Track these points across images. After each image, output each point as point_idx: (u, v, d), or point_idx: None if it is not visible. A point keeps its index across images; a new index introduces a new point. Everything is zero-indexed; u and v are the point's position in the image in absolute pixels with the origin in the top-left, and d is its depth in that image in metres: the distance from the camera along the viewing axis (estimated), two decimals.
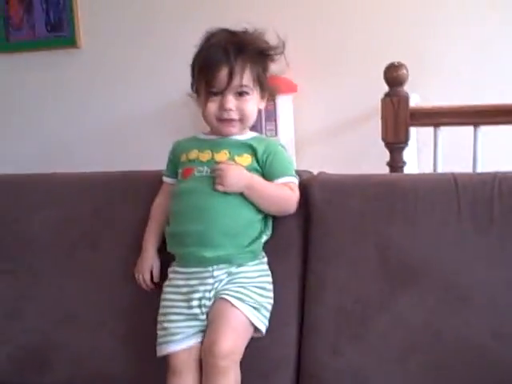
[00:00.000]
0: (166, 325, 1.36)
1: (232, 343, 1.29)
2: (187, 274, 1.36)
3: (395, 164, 2.05)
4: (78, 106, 3.06)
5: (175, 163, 1.46)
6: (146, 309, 1.45)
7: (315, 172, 1.54)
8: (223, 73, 1.35)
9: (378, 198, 1.41)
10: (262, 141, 1.43)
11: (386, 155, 2.16)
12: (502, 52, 2.62)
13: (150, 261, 1.44)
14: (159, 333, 1.37)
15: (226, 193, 1.35)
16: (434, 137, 2.07)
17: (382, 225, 1.40)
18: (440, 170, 2.09)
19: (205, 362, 1.31)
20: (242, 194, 1.36)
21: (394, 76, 2.02)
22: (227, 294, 1.33)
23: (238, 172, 1.35)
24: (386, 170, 2.13)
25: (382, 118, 2.04)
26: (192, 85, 1.43)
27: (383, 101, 2.04)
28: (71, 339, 1.51)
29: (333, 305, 1.39)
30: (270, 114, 2.74)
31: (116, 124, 3.03)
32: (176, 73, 2.94)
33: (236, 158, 1.38)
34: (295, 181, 1.42)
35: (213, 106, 1.37)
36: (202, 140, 1.44)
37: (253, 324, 1.33)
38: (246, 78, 1.36)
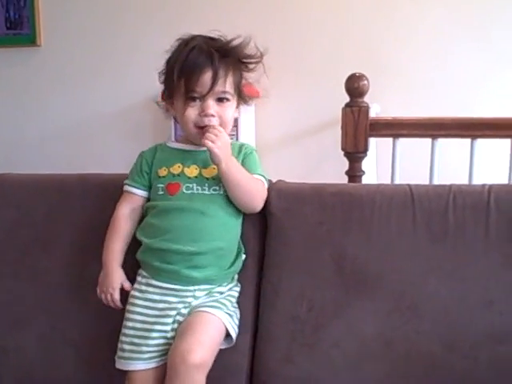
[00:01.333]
0: (136, 340, 1.32)
1: (207, 353, 1.25)
2: (165, 289, 1.32)
3: (354, 173, 2.07)
4: (36, 106, 3.01)
5: (148, 174, 1.39)
6: (97, 314, 1.43)
7: (274, 179, 1.54)
8: (207, 76, 1.31)
9: (335, 207, 1.42)
10: (239, 145, 1.42)
11: (345, 163, 2.18)
12: (463, 64, 2.67)
13: (118, 280, 1.36)
14: (125, 346, 1.32)
15: (217, 212, 1.33)
16: (393, 148, 2.10)
17: (338, 234, 1.41)
18: (397, 180, 2.12)
19: (174, 369, 1.23)
20: (229, 215, 1.34)
21: (354, 87, 2.04)
22: (203, 307, 1.31)
23: (228, 144, 1.34)
24: (345, 178, 2.15)
25: (342, 127, 2.06)
26: (165, 90, 1.38)
27: (344, 111, 2.06)
28: (20, 344, 1.47)
29: (287, 313, 1.39)
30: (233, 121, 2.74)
31: (75, 125, 2.98)
32: (137, 75, 2.94)
33: None
34: (265, 181, 1.41)
35: (192, 112, 1.32)
36: (182, 151, 1.39)
37: (227, 332, 1.32)
38: (229, 84, 1.34)
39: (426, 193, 1.43)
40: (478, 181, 2.04)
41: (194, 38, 1.36)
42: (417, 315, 1.34)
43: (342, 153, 2.14)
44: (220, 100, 1.33)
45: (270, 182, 1.52)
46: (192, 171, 1.35)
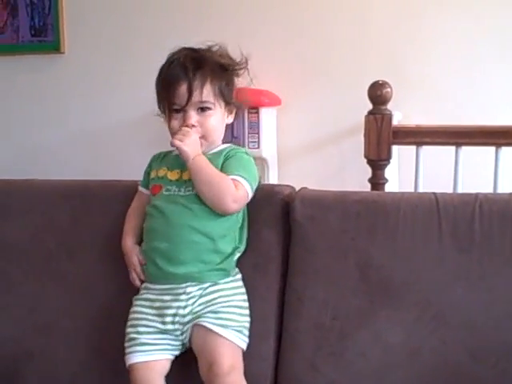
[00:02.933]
0: (133, 335, 1.36)
1: (230, 359, 1.29)
2: (160, 290, 1.36)
3: (377, 181, 2.06)
4: (59, 112, 3.03)
5: (149, 176, 1.47)
6: (121, 319, 1.42)
7: (297, 187, 1.53)
8: (182, 89, 1.35)
9: (360, 215, 1.41)
10: (225, 150, 1.41)
11: (367, 172, 2.17)
12: (486, 72, 2.64)
13: (135, 256, 1.42)
14: (126, 344, 1.36)
15: (193, 208, 1.35)
16: (416, 155, 2.09)
17: (363, 242, 1.40)
18: (421, 189, 2.10)
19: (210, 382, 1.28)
20: (205, 212, 1.35)
21: (377, 94, 2.04)
22: (208, 322, 1.31)
23: (197, 142, 1.36)
24: (367, 186, 2.14)
25: (364, 135, 2.05)
26: (158, 103, 1.43)
27: (366, 118, 2.06)
28: (45, 348, 1.48)
29: (311, 321, 1.38)
30: (253, 127, 2.74)
31: (97, 131, 3.00)
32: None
33: None
34: (245, 183, 1.36)
35: (176, 124, 1.37)
36: (172, 157, 1.44)
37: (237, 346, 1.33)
38: (206, 93, 1.36)
39: (452, 201, 1.42)
40: (502, 189, 2.03)
41: (176, 52, 1.42)
42: (443, 325, 1.32)
43: (364, 160, 2.13)
44: (202, 109, 1.37)
45: (292, 188, 1.52)
46: (174, 175, 1.40)
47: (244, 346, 1.34)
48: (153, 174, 1.45)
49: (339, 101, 2.73)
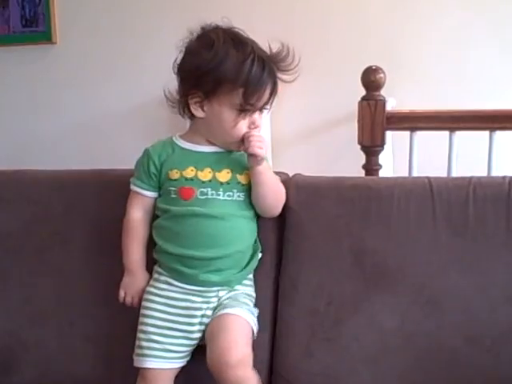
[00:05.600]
0: (156, 338, 1.30)
1: (245, 348, 1.27)
2: (188, 290, 1.31)
3: (371, 167, 2.06)
4: (52, 102, 3.01)
5: (158, 177, 1.35)
6: (115, 309, 1.42)
7: (291, 174, 1.53)
8: (267, 92, 1.28)
9: (354, 200, 1.41)
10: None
11: (362, 158, 2.16)
12: (480, 57, 2.64)
13: (143, 283, 1.36)
14: (143, 343, 1.31)
15: (233, 217, 1.31)
16: (410, 141, 2.08)
17: (357, 227, 1.40)
18: (415, 174, 2.10)
19: (217, 371, 1.24)
20: (245, 219, 1.33)
21: (371, 80, 2.03)
22: (227, 307, 1.30)
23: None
24: (361, 172, 2.13)
25: (358, 121, 2.05)
26: (192, 86, 1.28)
27: (360, 104, 2.05)
28: (40, 339, 1.48)
29: (306, 307, 1.38)
30: None
31: (89, 122, 2.99)
32: (153, 71, 2.92)
33: (238, 176, 1.33)
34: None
35: (244, 125, 1.28)
36: (194, 153, 1.34)
37: (251, 329, 1.32)
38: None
39: (446, 185, 1.41)
40: (496, 173, 2.02)
41: (244, 43, 1.29)
42: (437, 309, 1.32)
43: (359, 147, 2.13)
44: (260, 110, 1.31)
45: (286, 175, 1.51)
46: (206, 175, 1.32)
47: (255, 330, 1.33)
48: (173, 175, 1.32)
49: (333, 87, 2.72)
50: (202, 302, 1.31)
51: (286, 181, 1.48)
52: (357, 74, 2.14)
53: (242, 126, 1.28)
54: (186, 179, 1.31)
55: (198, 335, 1.32)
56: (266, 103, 1.29)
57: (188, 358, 1.34)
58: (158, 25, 2.84)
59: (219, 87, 1.25)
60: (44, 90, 3.01)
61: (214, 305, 1.32)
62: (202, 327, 1.31)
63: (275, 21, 2.67)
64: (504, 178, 1.41)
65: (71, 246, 1.51)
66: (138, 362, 1.32)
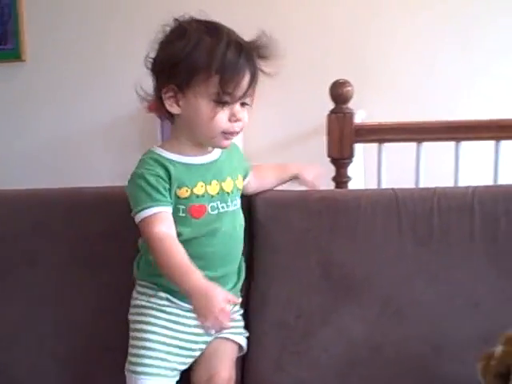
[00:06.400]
0: (165, 356, 1.25)
1: (230, 371, 1.31)
2: (190, 308, 1.22)
3: (340, 179, 2.07)
4: (23, 121, 2.99)
5: (169, 193, 1.22)
6: (86, 329, 1.42)
7: None
8: (245, 80, 1.17)
9: (321, 213, 1.42)
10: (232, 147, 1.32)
11: (332, 170, 2.18)
12: (447, 69, 2.69)
13: (223, 293, 1.13)
14: (152, 362, 1.24)
15: (240, 228, 1.32)
16: (379, 153, 2.11)
17: (325, 240, 1.41)
18: (384, 185, 2.12)
19: None
20: (243, 229, 1.34)
21: (339, 93, 2.05)
22: (227, 333, 1.30)
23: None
24: (332, 185, 2.15)
25: (327, 134, 2.07)
26: (166, 79, 1.18)
27: (329, 117, 2.07)
28: (8, 361, 1.45)
29: (276, 320, 1.39)
30: None
31: (62, 139, 2.97)
32: (123, 87, 2.91)
33: (237, 182, 1.31)
34: None
35: (223, 117, 1.18)
36: (198, 166, 1.25)
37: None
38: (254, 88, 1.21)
39: (411, 196, 1.44)
40: (463, 183, 2.05)
41: (220, 29, 1.21)
42: (404, 319, 1.34)
43: (329, 159, 2.14)
44: (242, 104, 1.21)
45: None
46: (214, 188, 1.25)
47: (245, 347, 1.37)
48: (182, 194, 1.22)
49: (304, 101, 2.75)
50: None
51: (254, 194, 1.49)
52: (327, 88, 2.16)
53: (222, 117, 1.18)
54: (198, 196, 1.23)
55: (198, 353, 1.30)
56: (246, 93, 1.18)
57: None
58: (128, 41, 2.85)
59: (193, 77, 1.16)
60: (15, 109, 2.99)
61: None
62: (204, 346, 1.30)
63: (243, 35, 2.69)
64: (467, 188, 1.44)
65: (39, 266, 1.49)
66: (139, 381, 1.24)
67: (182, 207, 1.23)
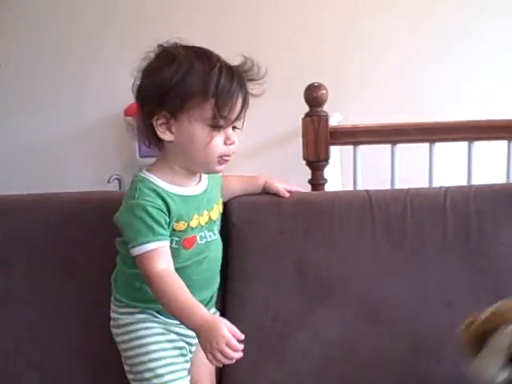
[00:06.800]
0: (174, 360, 1.26)
1: (212, 377, 1.36)
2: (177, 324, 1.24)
3: (316, 182, 2.08)
4: None
5: (168, 226, 1.20)
6: (60, 335, 1.41)
7: None
8: (239, 103, 1.18)
9: (295, 215, 1.43)
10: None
11: (309, 173, 2.19)
12: (422, 71, 2.73)
13: (224, 325, 1.10)
14: (164, 370, 1.24)
15: (220, 255, 1.33)
16: (354, 155, 2.12)
17: (300, 242, 1.42)
18: (360, 187, 2.13)
19: None
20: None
21: (313, 96, 2.06)
22: None
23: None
24: (309, 188, 2.16)
25: (302, 137, 2.07)
26: (172, 113, 1.16)
27: (304, 120, 2.08)
28: None
29: (252, 324, 1.39)
30: None
31: (38, 145, 2.96)
32: (98, 92, 2.93)
33: (219, 207, 1.33)
34: None
35: (219, 141, 1.19)
36: (193, 198, 1.25)
37: None
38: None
39: (384, 197, 1.45)
40: (438, 184, 2.07)
41: (209, 55, 1.20)
42: (379, 319, 1.35)
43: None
44: (233, 128, 1.22)
45: None
46: (205, 218, 1.26)
47: None
48: (179, 227, 1.21)
49: (280, 104, 2.75)
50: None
51: (230, 199, 1.49)
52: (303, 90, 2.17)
53: (218, 142, 1.18)
54: (192, 229, 1.24)
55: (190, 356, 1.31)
56: (239, 115, 1.20)
57: None
58: (102, 45, 2.85)
59: (187, 102, 1.15)
60: None
61: None
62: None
63: (221, 40, 2.69)
64: (440, 188, 1.46)
65: (13, 273, 1.48)
66: None
67: (175, 239, 1.22)
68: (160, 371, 1.24)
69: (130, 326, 1.27)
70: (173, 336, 1.28)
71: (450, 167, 2.26)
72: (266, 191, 1.46)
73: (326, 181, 2.09)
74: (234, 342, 1.08)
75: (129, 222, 1.18)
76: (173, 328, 1.27)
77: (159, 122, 1.18)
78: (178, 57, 1.17)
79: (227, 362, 1.10)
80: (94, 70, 2.88)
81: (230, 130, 1.20)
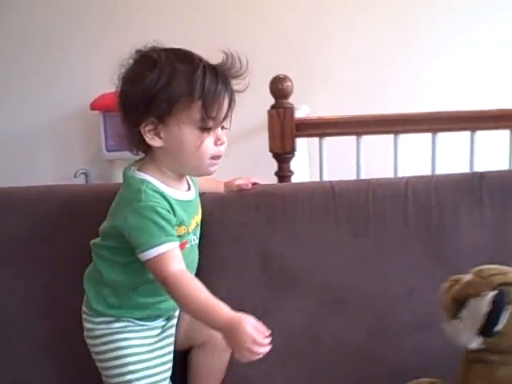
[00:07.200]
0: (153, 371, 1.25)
1: None
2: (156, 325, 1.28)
3: (283, 174, 2.09)
4: None
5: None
6: (18, 331, 1.39)
7: None
8: (225, 103, 1.18)
9: (259, 207, 1.44)
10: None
11: (275, 165, 2.20)
12: (387, 63, 2.76)
13: (251, 320, 1.09)
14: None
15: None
16: (320, 146, 2.13)
17: (263, 233, 1.42)
18: (327, 179, 2.14)
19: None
20: None
21: (279, 88, 2.06)
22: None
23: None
24: (274, 179, 2.17)
25: (268, 129, 2.08)
26: (159, 119, 1.14)
27: (269, 113, 2.08)
28: None
29: None
30: None
31: (2, 139, 2.93)
32: (65, 86, 2.90)
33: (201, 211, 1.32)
34: None
35: (210, 143, 1.17)
36: (189, 203, 1.25)
37: None
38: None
39: (347, 187, 1.46)
40: (402, 173, 2.10)
41: (190, 56, 1.18)
42: (342, 308, 1.37)
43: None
44: (221, 128, 1.21)
45: None
46: (194, 223, 1.26)
47: None
48: (182, 231, 1.20)
49: (249, 96, 2.74)
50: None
51: None
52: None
53: (209, 144, 1.17)
54: (189, 233, 1.24)
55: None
56: (227, 115, 1.19)
57: None
58: (69, 40, 2.82)
59: (174, 106, 1.13)
60: None
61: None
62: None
63: (183, 32, 2.68)
64: (401, 178, 1.47)
65: None
66: None
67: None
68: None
69: (107, 337, 1.25)
70: (152, 340, 1.26)
71: (413, 158, 2.28)
72: (229, 190, 1.47)
73: (292, 173, 2.10)
74: (260, 339, 1.05)
75: (139, 226, 1.14)
76: (156, 324, 1.26)
77: (147, 128, 1.16)
78: (159, 61, 1.15)
79: (256, 358, 1.07)
80: (61, 64, 2.85)
81: (219, 130, 1.19)
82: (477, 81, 2.76)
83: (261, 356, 1.07)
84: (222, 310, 1.09)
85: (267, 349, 1.06)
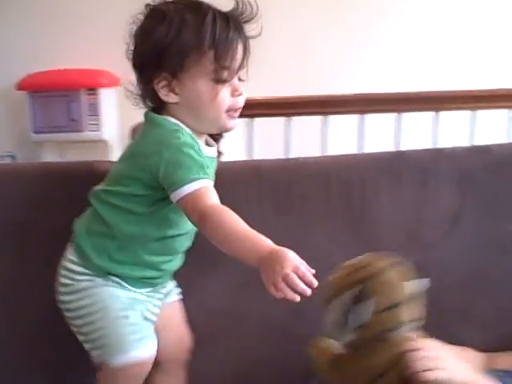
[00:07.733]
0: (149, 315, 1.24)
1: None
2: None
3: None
4: None
5: None
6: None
7: None
8: (240, 49, 1.13)
9: None
10: None
11: None
12: (320, 45, 2.78)
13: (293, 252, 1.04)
14: (145, 323, 1.21)
15: None
16: (249, 128, 2.14)
17: None
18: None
19: (174, 360, 1.28)
20: None
21: None
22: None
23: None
24: None
25: None
26: (173, 74, 1.11)
27: None
28: None
29: None
30: (93, 109, 2.67)
31: None
32: None
33: None
34: None
35: (226, 94, 1.13)
36: (212, 159, 1.24)
37: None
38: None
39: (274, 166, 1.47)
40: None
41: (198, 3, 1.13)
42: (265, 287, 1.36)
43: None
44: (238, 79, 1.17)
45: None
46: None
47: None
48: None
49: None
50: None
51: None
52: None
53: (225, 94, 1.13)
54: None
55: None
56: (242, 64, 1.14)
57: None
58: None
59: (186, 59, 1.10)
60: None
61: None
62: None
63: (123, 14, 2.63)
64: (325, 156, 1.49)
65: None
66: (140, 351, 1.16)
67: None
68: (130, 338, 1.17)
69: (90, 289, 1.18)
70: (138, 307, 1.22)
71: (342, 139, 2.31)
72: None
73: (222, 153, 2.09)
74: (303, 269, 0.97)
75: (177, 160, 1.10)
76: (138, 300, 1.21)
77: (160, 84, 1.13)
78: (167, 13, 1.11)
79: (291, 295, 0.97)
80: (14, 26, 2.74)
81: (235, 80, 1.15)
82: (405, 63, 2.82)
83: (297, 298, 0.98)
84: (264, 241, 1.05)
85: (307, 290, 0.98)
